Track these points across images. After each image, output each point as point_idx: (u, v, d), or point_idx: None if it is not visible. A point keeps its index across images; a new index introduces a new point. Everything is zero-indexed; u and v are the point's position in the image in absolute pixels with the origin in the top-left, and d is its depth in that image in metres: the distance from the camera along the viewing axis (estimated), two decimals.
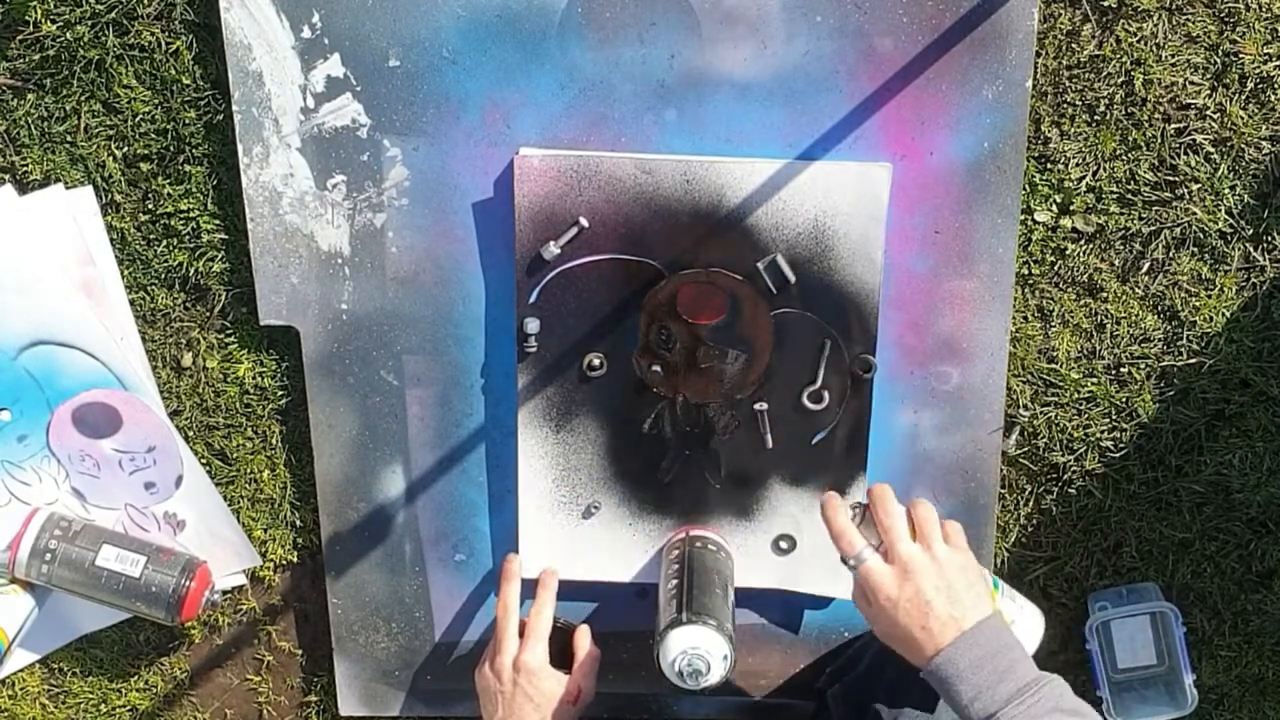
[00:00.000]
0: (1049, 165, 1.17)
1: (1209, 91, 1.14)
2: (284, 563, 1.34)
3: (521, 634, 1.22)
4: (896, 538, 1.02)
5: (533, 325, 1.18)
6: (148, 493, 1.29)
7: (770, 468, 1.22)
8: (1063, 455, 1.26)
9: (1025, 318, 1.22)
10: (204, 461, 1.29)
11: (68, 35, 1.14)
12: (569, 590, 1.26)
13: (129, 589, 1.26)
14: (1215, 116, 1.15)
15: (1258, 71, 1.13)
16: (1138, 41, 1.13)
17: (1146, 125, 1.15)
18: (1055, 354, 1.23)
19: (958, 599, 0.99)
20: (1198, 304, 1.20)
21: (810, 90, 1.12)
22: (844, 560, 1.04)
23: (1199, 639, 1.32)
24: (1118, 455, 1.25)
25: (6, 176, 1.21)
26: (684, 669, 1.10)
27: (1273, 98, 1.14)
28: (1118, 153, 1.16)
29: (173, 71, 1.15)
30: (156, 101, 1.17)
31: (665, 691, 1.35)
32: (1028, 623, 1.21)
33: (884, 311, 1.18)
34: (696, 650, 1.09)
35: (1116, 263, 1.20)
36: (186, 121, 1.17)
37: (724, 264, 1.16)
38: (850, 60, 1.11)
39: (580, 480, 1.24)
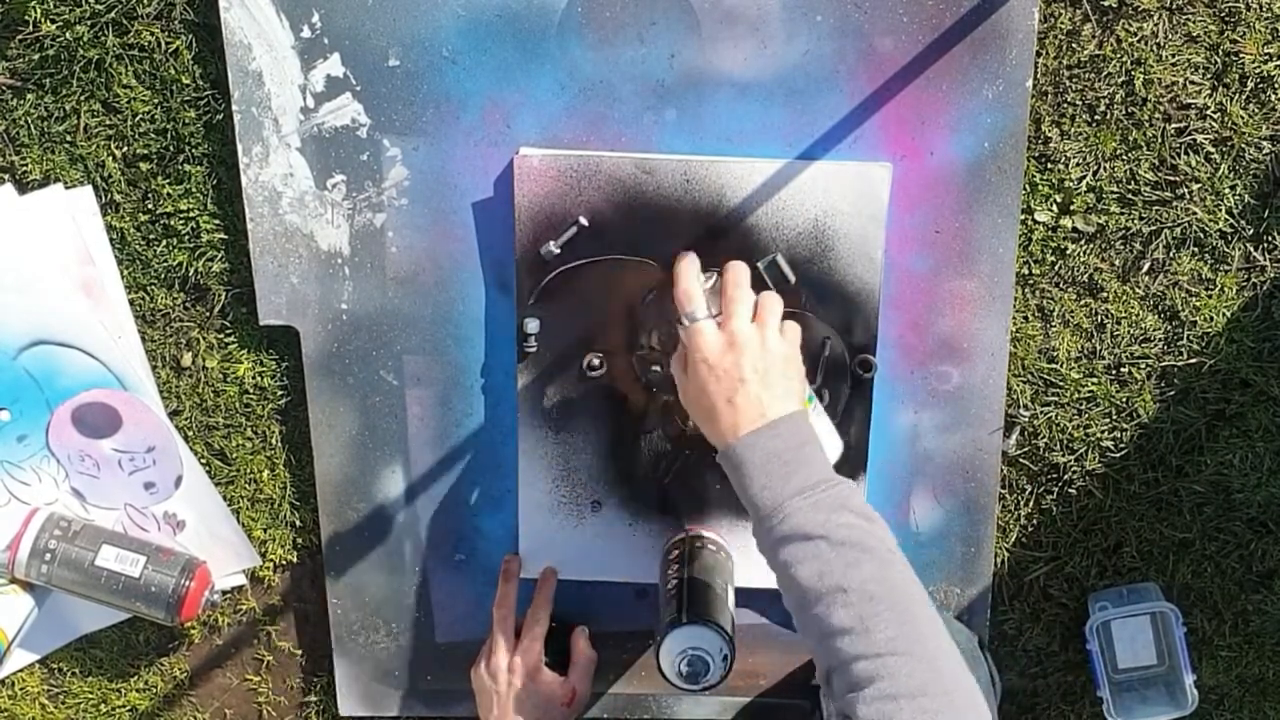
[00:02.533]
0: (1049, 165, 1.17)
1: (1209, 91, 1.14)
2: (284, 563, 1.34)
3: (519, 634, 1.22)
4: (736, 312, 1.03)
5: (533, 325, 1.18)
6: (147, 493, 1.29)
7: None
8: (1063, 455, 1.26)
9: (1025, 318, 1.22)
10: (204, 461, 1.29)
11: (67, 35, 1.14)
12: (569, 590, 1.26)
13: (129, 589, 1.26)
14: (1215, 116, 1.15)
15: (1258, 71, 1.13)
16: (1138, 41, 1.13)
17: (1147, 125, 1.15)
18: (1055, 354, 1.23)
19: (771, 384, 1.00)
20: (1198, 304, 1.20)
21: (810, 90, 1.12)
22: (677, 319, 1.05)
23: (1199, 639, 1.32)
24: (1118, 455, 1.25)
25: (6, 176, 1.21)
26: (684, 669, 1.10)
27: (1273, 98, 1.14)
28: (1118, 152, 1.16)
29: (173, 71, 1.15)
30: (156, 101, 1.17)
31: (665, 691, 1.35)
32: (827, 442, 1.14)
33: (884, 311, 1.18)
34: (696, 650, 1.09)
35: (1117, 263, 1.20)
36: (186, 121, 1.17)
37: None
38: (850, 60, 1.11)
39: (580, 480, 1.24)
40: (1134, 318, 1.22)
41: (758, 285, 1.07)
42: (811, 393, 1.13)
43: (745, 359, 1.01)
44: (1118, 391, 1.24)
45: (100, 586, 1.26)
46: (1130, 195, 1.17)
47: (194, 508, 1.30)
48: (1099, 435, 1.25)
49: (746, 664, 1.31)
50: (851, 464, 1.21)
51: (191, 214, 1.21)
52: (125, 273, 1.23)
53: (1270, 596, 1.30)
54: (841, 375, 1.19)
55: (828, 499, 0.94)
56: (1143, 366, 1.23)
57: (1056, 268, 1.20)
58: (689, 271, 1.07)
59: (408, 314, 1.21)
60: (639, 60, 1.12)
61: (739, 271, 1.06)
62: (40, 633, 1.34)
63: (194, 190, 1.20)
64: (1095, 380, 1.23)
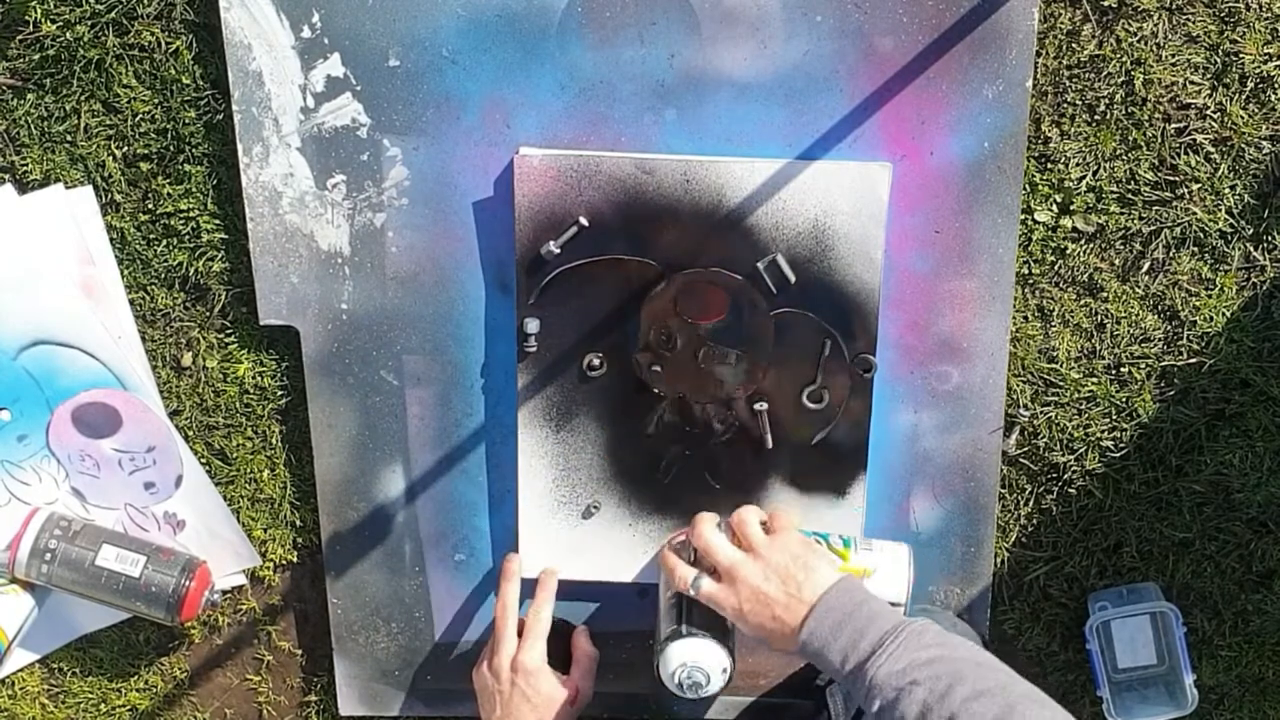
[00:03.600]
0: (1049, 165, 1.17)
1: (1209, 91, 1.14)
2: (284, 563, 1.34)
3: (520, 634, 1.22)
4: (714, 552, 1.09)
5: (533, 325, 1.18)
6: (148, 493, 1.29)
7: (770, 468, 1.22)
8: (1063, 455, 1.26)
9: (1025, 318, 1.22)
10: (204, 461, 1.29)
11: (68, 35, 1.14)
12: (569, 590, 1.26)
13: (129, 589, 1.26)
14: (1215, 116, 1.15)
15: (1258, 71, 1.13)
16: (1138, 41, 1.13)
17: (1146, 125, 1.15)
18: (1055, 354, 1.23)
19: (789, 577, 1.04)
20: (1198, 304, 1.20)
21: (810, 90, 1.12)
22: (686, 595, 1.10)
23: (1199, 639, 1.32)
24: (1118, 455, 1.25)
25: (6, 176, 1.21)
26: (684, 681, 1.11)
27: (1273, 98, 1.14)
28: (1118, 152, 1.16)
29: (173, 71, 1.15)
30: (156, 101, 1.17)
31: (665, 692, 1.35)
32: (891, 565, 1.18)
33: (884, 311, 1.18)
34: (696, 663, 1.10)
35: (1116, 262, 1.20)
36: (186, 121, 1.17)
37: (724, 264, 1.16)
38: (850, 60, 1.11)
39: (580, 480, 1.24)
40: (1134, 318, 1.22)
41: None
42: (847, 537, 1.17)
43: (754, 580, 1.05)
44: (1118, 391, 1.24)
45: (100, 586, 1.26)
46: (1130, 195, 1.17)
47: (194, 508, 1.30)
48: (1099, 435, 1.25)
49: (747, 664, 1.31)
50: (852, 464, 1.22)
51: (191, 214, 1.21)
52: (125, 273, 1.23)
53: (1270, 596, 1.30)
54: (841, 375, 1.19)
55: (903, 647, 0.97)
56: (1143, 366, 1.23)
57: (1056, 268, 1.20)
58: (666, 554, 1.14)
59: (408, 314, 1.21)
60: (639, 60, 1.12)
61: (696, 523, 1.13)
62: (40, 633, 1.34)
63: (194, 190, 1.20)
64: (1095, 380, 1.23)
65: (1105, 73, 1.14)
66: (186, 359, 1.27)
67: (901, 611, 1.14)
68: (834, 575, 1.04)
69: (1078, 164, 1.16)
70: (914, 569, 1.17)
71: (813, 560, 1.05)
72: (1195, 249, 1.19)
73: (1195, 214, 1.17)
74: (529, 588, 1.25)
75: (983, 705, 0.92)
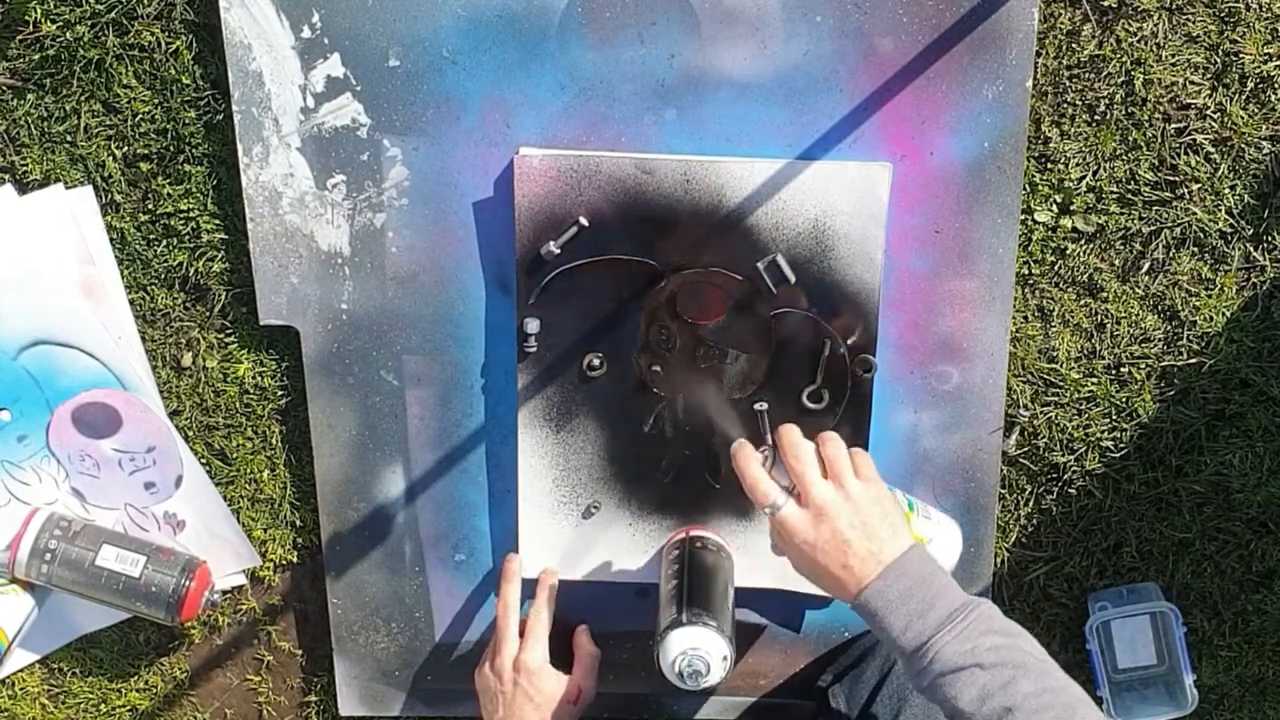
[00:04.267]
0: (1049, 165, 1.17)
1: (1209, 91, 1.14)
2: (284, 563, 1.34)
3: (521, 634, 1.22)
4: (809, 481, 1.02)
5: (533, 325, 1.18)
6: (148, 493, 1.29)
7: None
8: (1063, 455, 1.26)
9: (1025, 318, 1.22)
10: (204, 461, 1.29)
11: (68, 35, 1.14)
12: (569, 590, 1.26)
13: (129, 589, 1.26)
14: (1215, 116, 1.15)
15: (1258, 71, 1.13)
16: (1138, 41, 1.13)
17: (1146, 125, 1.15)
18: (1055, 354, 1.23)
19: (874, 534, 1.00)
20: (1198, 304, 1.20)
21: (810, 90, 1.12)
22: (761, 508, 1.04)
23: (1199, 639, 1.32)
24: (1118, 455, 1.25)
25: (6, 176, 1.21)
26: (684, 669, 1.10)
27: (1273, 98, 1.14)
28: (1118, 153, 1.16)
29: (173, 71, 1.15)
30: (156, 101, 1.17)
31: (665, 691, 1.35)
32: (946, 539, 1.19)
33: (884, 311, 1.18)
34: (696, 651, 1.09)
35: (1116, 263, 1.20)
36: (186, 121, 1.17)
37: (724, 264, 1.16)
38: (850, 60, 1.11)
39: (580, 480, 1.24)
40: (1134, 318, 1.22)
41: (805, 426, 1.05)
42: (910, 499, 1.16)
43: (840, 522, 1.00)
44: (1118, 391, 1.24)
45: (100, 586, 1.26)
46: (1130, 195, 1.17)
47: (194, 508, 1.30)
48: (1099, 435, 1.25)
49: (747, 664, 1.32)
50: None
51: (191, 214, 1.21)
52: (125, 273, 1.23)
53: (1270, 596, 1.30)
54: (841, 375, 1.19)
55: (971, 627, 0.95)
56: (1143, 366, 1.23)
57: (1056, 268, 1.20)
58: (750, 461, 1.05)
59: (408, 314, 1.21)
60: (639, 60, 1.12)
61: (792, 437, 1.04)
62: (40, 633, 1.34)
63: (194, 190, 1.20)
64: (1095, 380, 1.23)
65: (1105, 73, 1.14)
66: (186, 359, 1.27)
67: None
68: (910, 540, 1.01)
69: (1078, 164, 1.16)
70: (963, 547, 1.16)
71: (898, 521, 1.02)
72: (1195, 249, 1.19)
73: (1195, 214, 1.17)
74: (529, 588, 1.25)
75: (1043, 702, 0.90)
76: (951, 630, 0.95)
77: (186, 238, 1.22)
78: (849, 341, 1.18)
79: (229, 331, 1.25)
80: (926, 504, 1.19)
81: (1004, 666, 0.93)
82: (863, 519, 1.00)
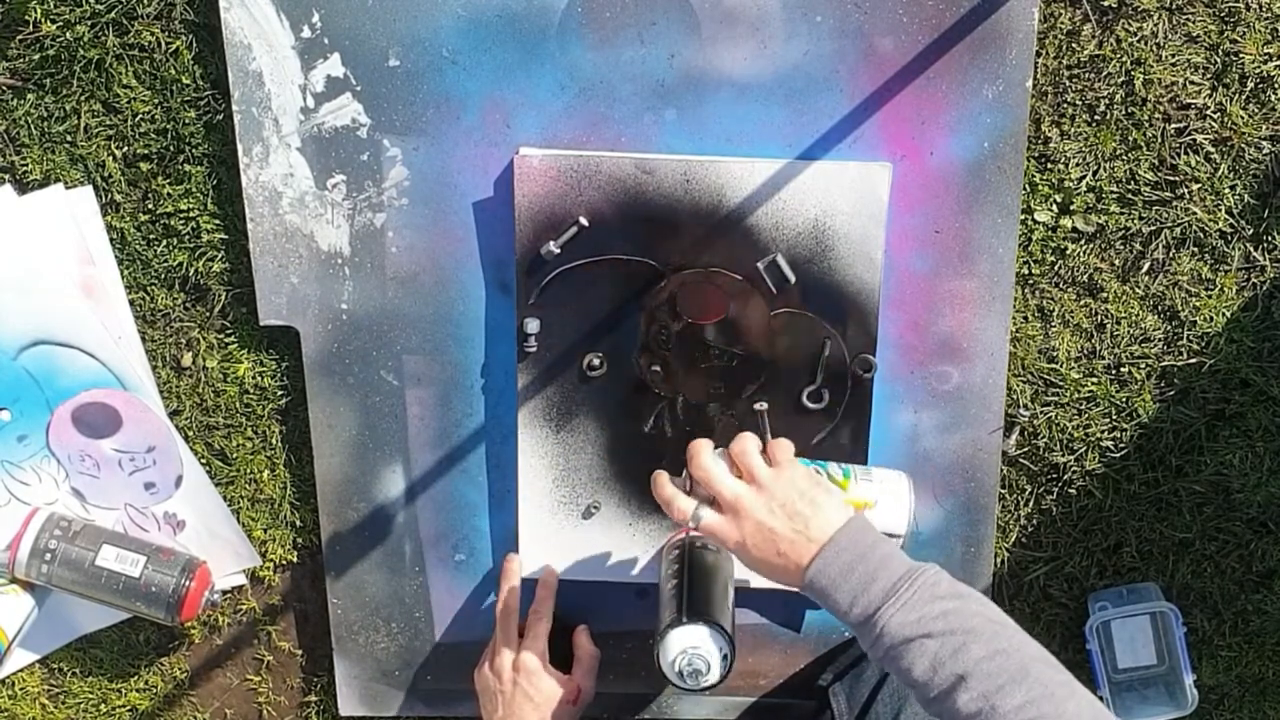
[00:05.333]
0: (1049, 165, 1.17)
1: (1209, 91, 1.14)
2: (284, 563, 1.34)
3: (521, 634, 1.22)
4: (715, 482, 1.02)
5: (533, 325, 1.18)
6: (148, 493, 1.29)
7: None
8: (1063, 455, 1.26)
9: (1025, 318, 1.22)
10: (204, 461, 1.29)
11: (68, 35, 1.14)
12: (569, 590, 1.26)
13: (129, 589, 1.26)
14: (1215, 116, 1.15)
15: (1258, 71, 1.13)
16: (1138, 41, 1.13)
17: (1146, 125, 1.15)
18: (1055, 354, 1.23)
19: (795, 512, 0.99)
20: (1198, 304, 1.20)
21: (810, 90, 1.12)
22: (684, 525, 1.04)
23: (1199, 639, 1.32)
24: (1118, 455, 1.25)
25: (6, 176, 1.21)
26: (684, 669, 1.10)
27: (1273, 98, 1.14)
28: (1118, 152, 1.16)
29: (173, 71, 1.15)
30: (156, 101, 1.17)
31: (665, 691, 1.35)
32: (892, 496, 1.14)
33: (884, 311, 1.18)
34: (696, 650, 1.09)
35: (1116, 263, 1.20)
36: (186, 121, 1.17)
37: (724, 264, 1.16)
38: (850, 60, 1.11)
39: (580, 480, 1.24)
40: (1134, 318, 1.22)
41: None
42: (846, 467, 1.14)
43: (759, 514, 1.00)
44: (1118, 391, 1.24)
45: (100, 586, 1.26)
46: (1130, 195, 1.17)
47: (194, 508, 1.30)
48: (1099, 435, 1.25)
49: (747, 664, 1.32)
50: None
51: (191, 214, 1.21)
52: (125, 273, 1.23)
53: (1270, 596, 1.30)
54: (841, 375, 1.19)
55: (916, 596, 0.94)
56: (1143, 366, 1.23)
57: (1056, 268, 1.20)
58: (663, 485, 1.06)
59: (408, 314, 1.21)
60: (639, 60, 1.12)
61: (694, 451, 1.04)
62: (40, 633, 1.34)
63: (194, 190, 1.20)
64: (1095, 380, 1.23)
65: (1105, 73, 1.14)
66: (186, 359, 1.27)
67: (901, 544, 1.11)
68: (843, 513, 1.00)
69: (1078, 164, 1.16)
70: (914, 498, 1.14)
71: (820, 496, 1.01)
72: (1195, 249, 1.19)
73: (1195, 214, 1.17)
74: (529, 588, 1.25)
75: (996, 665, 0.89)
76: (897, 601, 0.94)
77: (186, 238, 1.22)
78: (849, 341, 1.18)
79: (229, 331, 1.25)
80: (869, 467, 1.16)
81: (953, 634, 0.91)
82: (780, 502, 1.00)
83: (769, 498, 1.00)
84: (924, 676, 0.91)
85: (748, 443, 1.04)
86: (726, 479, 1.03)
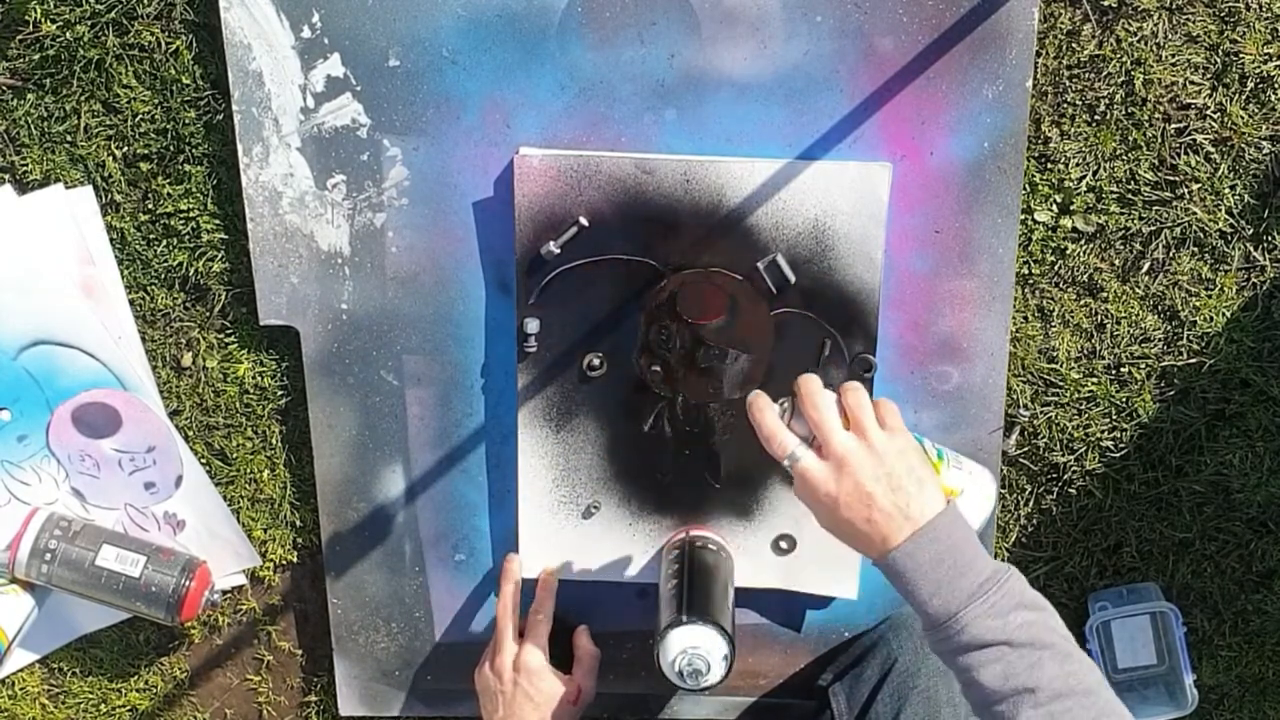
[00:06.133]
0: (1049, 165, 1.17)
1: (1209, 91, 1.14)
2: (284, 563, 1.34)
3: (522, 634, 1.22)
4: (829, 431, 0.97)
5: (533, 325, 1.18)
6: (148, 493, 1.29)
7: (770, 468, 1.22)
8: (1063, 455, 1.26)
9: (1025, 318, 1.22)
10: (204, 461, 1.29)
11: (68, 35, 1.14)
12: (569, 590, 1.26)
13: (129, 589, 1.26)
14: (1215, 116, 1.15)
15: (1258, 71, 1.13)
16: (1138, 41, 1.13)
17: (1146, 125, 1.15)
18: (1055, 354, 1.23)
19: (900, 486, 0.95)
20: (1198, 304, 1.20)
21: (810, 90, 1.12)
22: (778, 460, 1.00)
23: (1199, 639, 1.32)
24: (1118, 455, 1.25)
25: (6, 176, 1.21)
26: (684, 669, 1.10)
27: (1273, 98, 1.14)
28: (1118, 152, 1.16)
29: (173, 71, 1.15)
30: (156, 101, 1.17)
31: (665, 691, 1.35)
32: (978, 490, 1.13)
33: (884, 311, 1.18)
34: (696, 650, 1.10)
35: (1116, 263, 1.20)
36: (186, 121, 1.17)
37: (724, 264, 1.16)
38: (850, 60, 1.11)
39: (580, 480, 1.24)
40: (1134, 318, 1.22)
41: (827, 378, 1.02)
42: (940, 448, 1.10)
43: (862, 474, 0.95)
44: (1118, 391, 1.24)
45: (100, 586, 1.26)
46: (1130, 195, 1.17)
47: (194, 508, 1.30)
48: (1099, 435, 1.25)
49: (747, 664, 1.31)
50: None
51: (191, 214, 1.21)
52: (125, 273, 1.23)
53: (1270, 596, 1.30)
54: (841, 375, 1.19)
55: (1002, 601, 0.92)
56: (1143, 366, 1.23)
57: (1056, 268, 1.20)
58: (766, 411, 1.00)
59: (408, 314, 1.21)
60: (639, 60, 1.12)
61: (811, 386, 0.99)
62: (40, 633, 1.34)
63: (194, 190, 1.20)
64: (1095, 380, 1.23)
65: (1105, 73, 1.14)
66: (186, 359, 1.27)
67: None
68: (941, 499, 0.96)
69: (1078, 164, 1.16)
70: (997, 499, 1.10)
71: (926, 475, 0.97)
72: (1195, 249, 1.19)
73: (1195, 214, 1.17)
74: (529, 588, 1.25)
75: (1065, 685, 0.88)
76: (984, 603, 0.92)
77: (186, 238, 1.22)
78: (849, 341, 1.18)
79: (229, 331, 1.25)
80: (959, 454, 1.14)
81: (1032, 647, 0.90)
82: (887, 471, 0.95)
83: (878, 463, 0.96)
84: (993, 684, 0.90)
85: (863, 395, 0.99)
86: (840, 429, 0.97)
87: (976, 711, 0.94)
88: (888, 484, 0.95)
